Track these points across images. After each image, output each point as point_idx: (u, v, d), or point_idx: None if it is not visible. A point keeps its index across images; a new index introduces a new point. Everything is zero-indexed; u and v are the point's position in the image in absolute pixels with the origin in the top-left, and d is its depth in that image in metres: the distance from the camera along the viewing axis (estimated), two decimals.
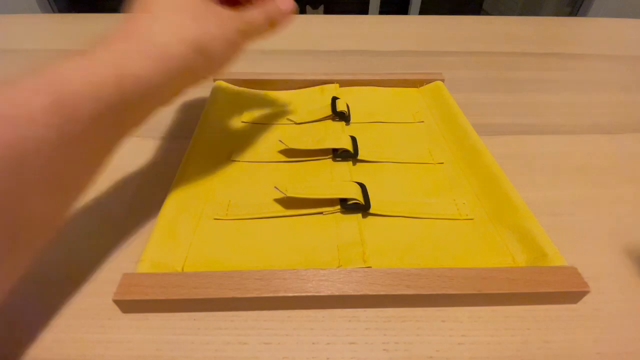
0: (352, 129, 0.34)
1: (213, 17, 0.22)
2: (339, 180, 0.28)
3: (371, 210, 0.25)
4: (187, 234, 0.24)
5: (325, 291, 0.20)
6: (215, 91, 0.37)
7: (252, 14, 0.24)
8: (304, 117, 0.35)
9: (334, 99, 0.35)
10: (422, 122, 0.35)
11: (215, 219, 0.25)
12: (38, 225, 0.16)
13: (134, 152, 0.32)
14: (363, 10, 1.79)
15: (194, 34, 0.20)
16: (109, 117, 0.17)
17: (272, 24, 0.26)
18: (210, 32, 0.21)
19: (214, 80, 0.39)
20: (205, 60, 0.21)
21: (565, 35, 0.61)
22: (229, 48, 0.23)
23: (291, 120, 0.35)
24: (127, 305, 0.20)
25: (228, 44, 0.22)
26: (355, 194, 0.25)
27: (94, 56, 0.17)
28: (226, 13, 0.23)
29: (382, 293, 0.20)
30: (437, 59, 0.50)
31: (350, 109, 0.35)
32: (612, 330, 0.20)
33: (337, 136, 0.31)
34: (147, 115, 0.20)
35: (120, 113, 0.18)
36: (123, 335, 0.19)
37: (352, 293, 0.20)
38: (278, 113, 0.36)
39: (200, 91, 0.38)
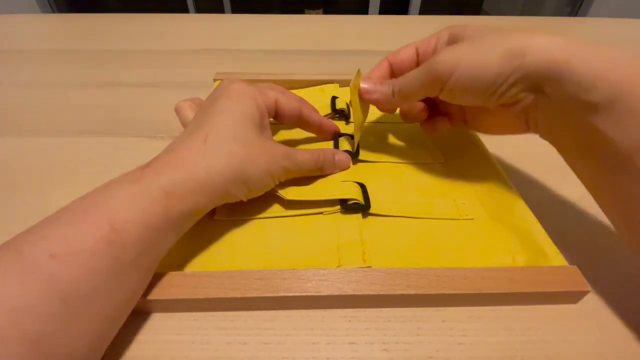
0: (351, 129, 0.34)
1: (264, 153, 0.22)
2: (339, 180, 0.28)
3: (371, 210, 0.25)
4: (187, 234, 0.24)
5: (325, 291, 0.20)
6: None
7: (304, 159, 0.25)
8: None
9: (334, 98, 0.35)
10: None
11: (215, 219, 0.25)
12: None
13: (135, 152, 0.32)
14: (363, 10, 1.79)
15: (242, 167, 0.21)
16: (154, 240, 0.18)
17: (321, 170, 0.27)
18: (258, 167, 0.22)
19: (214, 80, 0.39)
20: (247, 189, 0.22)
21: (565, 35, 0.61)
22: (271, 181, 0.24)
23: None
24: None
25: (272, 179, 0.23)
26: (355, 194, 0.25)
27: (144, 183, 0.18)
28: (278, 150, 0.23)
29: (382, 293, 0.20)
30: None
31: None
32: (612, 330, 0.20)
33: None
34: (187, 229, 0.21)
35: (164, 234, 0.19)
36: (122, 335, 0.19)
37: (352, 293, 0.20)
38: None
39: (200, 91, 0.38)
